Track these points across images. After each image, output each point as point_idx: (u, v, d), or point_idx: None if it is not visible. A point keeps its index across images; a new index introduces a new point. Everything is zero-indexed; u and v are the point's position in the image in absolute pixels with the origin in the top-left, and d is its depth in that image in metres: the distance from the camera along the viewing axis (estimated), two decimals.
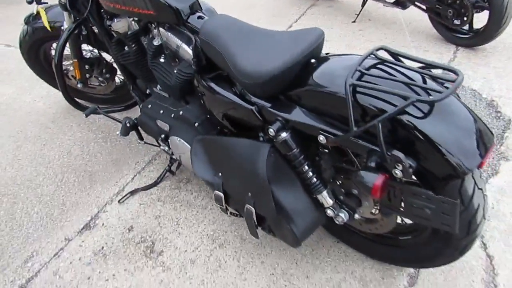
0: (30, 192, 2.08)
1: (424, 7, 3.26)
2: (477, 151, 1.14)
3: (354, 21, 3.80)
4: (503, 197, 1.93)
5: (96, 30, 1.98)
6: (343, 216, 1.44)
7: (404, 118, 1.15)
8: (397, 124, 1.16)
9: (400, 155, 1.13)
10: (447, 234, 1.33)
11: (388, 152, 1.14)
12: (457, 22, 3.14)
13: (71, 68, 2.34)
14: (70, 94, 2.20)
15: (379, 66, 1.24)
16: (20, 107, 2.63)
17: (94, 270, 1.71)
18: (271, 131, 1.35)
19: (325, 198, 1.42)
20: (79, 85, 2.30)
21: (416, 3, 3.28)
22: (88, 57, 2.24)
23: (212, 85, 1.58)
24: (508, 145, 2.25)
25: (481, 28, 3.08)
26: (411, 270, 1.65)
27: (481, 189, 1.25)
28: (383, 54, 1.27)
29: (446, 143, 1.12)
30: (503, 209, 1.87)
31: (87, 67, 2.24)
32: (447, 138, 1.13)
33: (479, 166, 1.15)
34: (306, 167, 1.38)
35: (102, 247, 1.80)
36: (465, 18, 3.08)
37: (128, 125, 1.92)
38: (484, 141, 1.16)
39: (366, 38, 3.49)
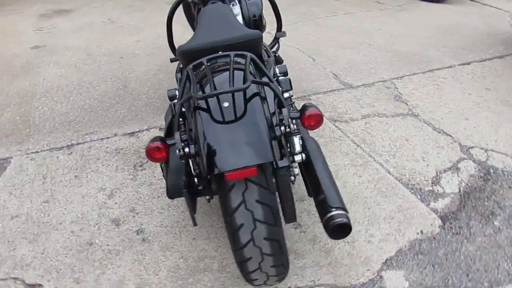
0: (131, 101, 2.85)
1: None
2: (229, 161, 1.17)
3: None
4: None
5: None
6: None
7: (197, 118, 1.28)
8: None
9: (177, 140, 1.26)
10: None
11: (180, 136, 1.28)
12: None
13: None
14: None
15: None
16: None
17: (98, 159, 2.29)
18: None
19: None
20: None
21: None
22: None
23: None
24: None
25: None
26: None
27: (250, 211, 1.22)
28: None
29: (209, 142, 1.22)
30: None
31: None
32: (213, 139, 1.22)
33: (229, 176, 1.17)
34: None
35: (119, 152, 2.34)
36: None
37: None
38: (248, 157, 1.17)
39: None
